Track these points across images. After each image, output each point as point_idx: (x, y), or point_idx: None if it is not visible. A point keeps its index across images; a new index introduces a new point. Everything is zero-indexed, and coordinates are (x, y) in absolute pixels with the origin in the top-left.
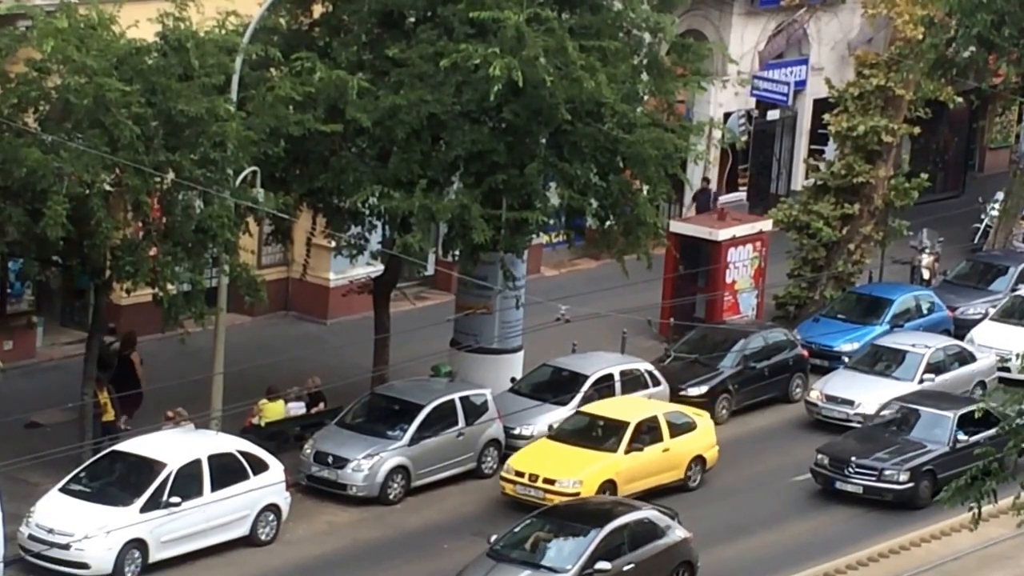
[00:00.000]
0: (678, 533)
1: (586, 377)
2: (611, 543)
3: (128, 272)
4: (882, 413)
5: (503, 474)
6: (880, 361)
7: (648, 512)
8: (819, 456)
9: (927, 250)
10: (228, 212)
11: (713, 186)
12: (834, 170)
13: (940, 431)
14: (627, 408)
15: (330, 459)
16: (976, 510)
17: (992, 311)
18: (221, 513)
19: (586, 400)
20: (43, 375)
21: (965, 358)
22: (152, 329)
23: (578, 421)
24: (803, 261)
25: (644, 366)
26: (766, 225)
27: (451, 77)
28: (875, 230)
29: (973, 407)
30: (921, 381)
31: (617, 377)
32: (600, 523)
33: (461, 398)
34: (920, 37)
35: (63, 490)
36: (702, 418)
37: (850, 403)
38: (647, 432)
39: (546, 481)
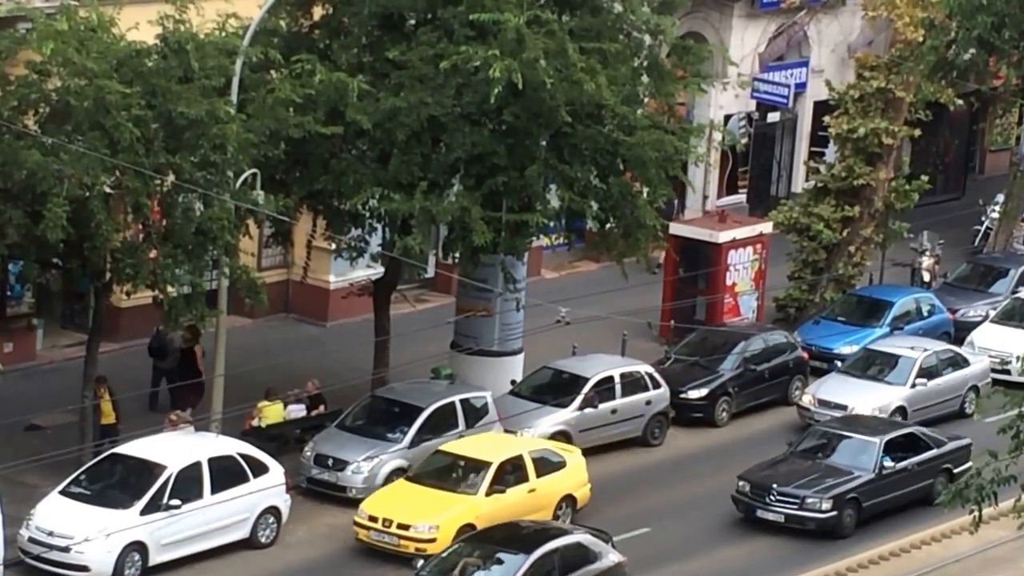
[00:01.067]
0: (612, 558)
1: (586, 379)
2: (541, 569)
3: (128, 274)
4: (805, 439)
5: (356, 518)
6: (873, 365)
7: (581, 536)
8: (740, 483)
9: (927, 252)
10: (228, 214)
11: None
12: (834, 172)
13: (866, 457)
14: (490, 447)
15: (330, 461)
16: (976, 513)
17: (992, 313)
18: (221, 516)
19: (587, 402)
20: (43, 377)
21: (958, 362)
22: (152, 331)
23: (437, 461)
24: (803, 263)
25: (644, 368)
26: (766, 227)
27: (451, 79)
28: (875, 232)
29: (900, 432)
30: (914, 385)
31: (617, 379)
32: (530, 548)
33: (461, 400)
34: (920, 39)
35: (63, 492)
36: (573, 455)
37: (843, 408)
38: (511, 472)
39: (400, 526)
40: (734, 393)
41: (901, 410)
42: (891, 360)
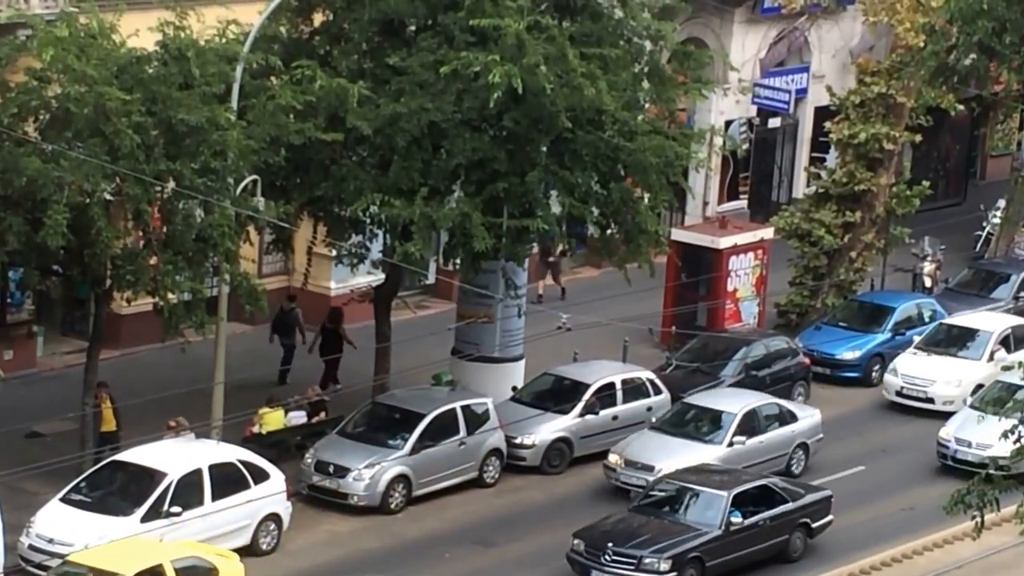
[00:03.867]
0: None
1: (587, 386)
2: None
3: (129, 281)
4: (651, 491)
5: None
6: (689, 422)
7: None
8: (575, 541)
9: (929, 258)
10: (229, 221)
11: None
12: (835, 178)
13: (712, 513)
14: (125, 558)
15: (331, 468)
16: (978, 518)
17: (917, 339)
18: (222, 523)
19: (588, 409)
20: (43, 384)
21: (784, 418)
22: (152, 338)
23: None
24: (805, 269)
25: (645, 375)
26: (767, 233)
27: (451, 85)
28: (877, 238)
29: (752, 484)
30: (731, 444)
31: (619, 386)
32: None
33: (462, 407)
34: (921, 44)
35: (64, 500)
36: (229, 560)
37: (650, 469)
38: None
39: None
40: None
41: None
42: (708, 415)
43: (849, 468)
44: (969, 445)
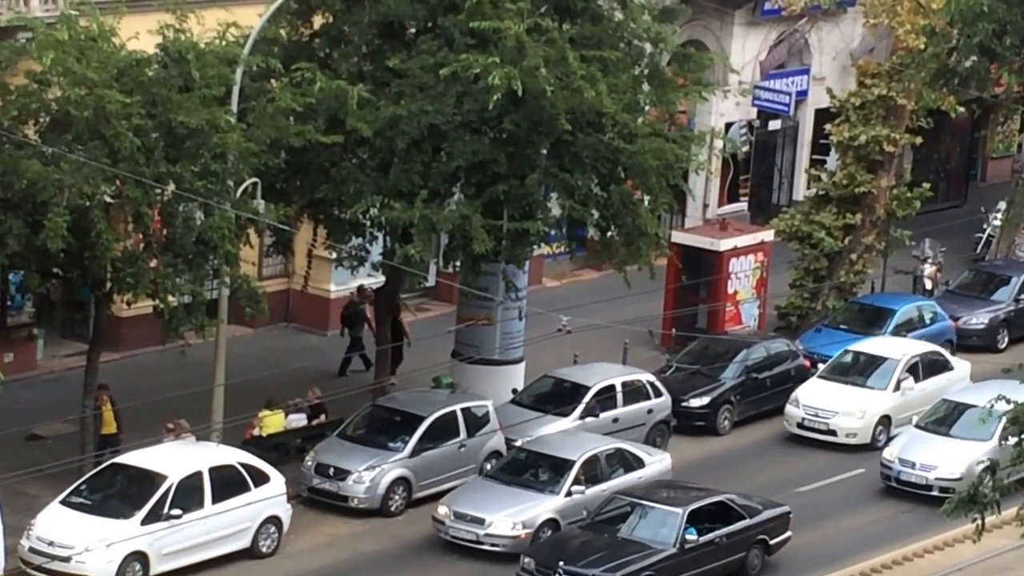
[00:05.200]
0: None
1: (588, 388)
2: None
3: (129, 284)
4: (604, 507)
5: None
6: (526, 469)
7: None
8: (525, 560)
9: (929, 260)
10: (229, 224)
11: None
12: (836, 180)
13: (666, 530)
14: None
15: (331, 471)
16: (979, 521)
17: (822, 367)
18: (222, 525)
19: (588, 411)
20: (44, 387)
21: (630, 463)
22: (153, 341)
23: None
24: (805, 271)
25: (646, 377)
26: (768, 235)
27: (451, 87)
28: (877, 240)
29: (708, 501)
30: (570, 494)
31: (619, 388)
32: None
33: (463, 409)
34: (922, 47)
35: (64, 503)
36: None
37: (480, 521)
38: None
39: None
40: (736, 402)
41: (552, 523)
42: (546, 462)
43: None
44: (913, 466)
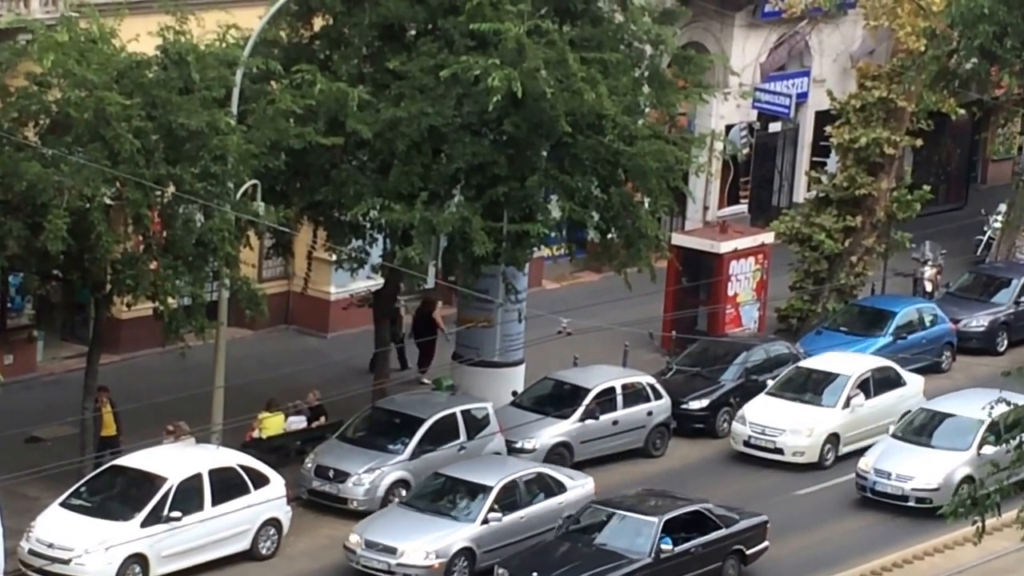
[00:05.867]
0: None
1: (588, 391)
2: None
3: (129, 286)
4: (581, 516)
5: None
6: (442, 496)
7: None
8: (500, 571)
9: (930, 262)
10: (229, 226)
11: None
12: (836, 182)
13: (642, 540)
14: None
15: (331, 473)
16: (979, 523)
17: (771, 384)
18: (222, 527)
19: (588, 414)
20: (43, 389)
21: (551, 488)
22: (153, 343)
23: None
24: (805, 273)
25: (646, 379)
26: (768, 237)
27: (452, 89)
28: (877, 242)
29: (684, 510)
30: (486, 521)
31: (619, 391)
32: None
33: (462, 412)
34: (922, 49)
35: (63, 505)
36: None
37: (392, 551)
38: None
39: None
40: (736, 404)
41: (467, 552)
42: (463, 488)
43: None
44: (888, 476)
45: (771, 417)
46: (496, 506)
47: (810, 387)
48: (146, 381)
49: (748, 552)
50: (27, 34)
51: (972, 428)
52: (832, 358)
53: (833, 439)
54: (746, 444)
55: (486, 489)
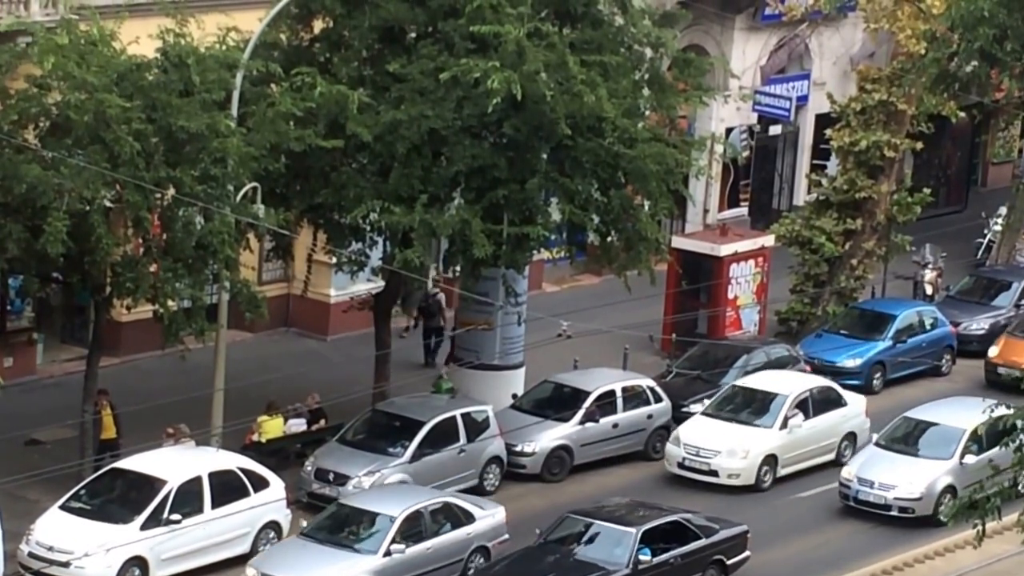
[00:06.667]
0: None
1: (588, 393)
2: None
3: (129, 288)
4: (558, 527)
5: None
6: (342, 527)
7: None
8: None
9: (930, 265)
10: (229, 228)
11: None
12: (836, 185)
13: (620, 551)
14: None
15: (331, 476)
16: (980, 527)
17: (708, 403)
18: (222, 530)
19: (588, 417)
20: (43, 392)
21: (458, 519)
22: (152, 346)
23: None
24: (805, 276)
25: (646, 382)
26: (768, 240)
27: (451, 92)
28: (878, 245)
29: (663, 520)
30: (388, 553)
31: (619, 393)
32: None
33: (462, 414)
34: (922, 52)
35: (63, 507)
36: None
37: None
38: None
39: None
40: None
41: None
42: (364, 518)
43: None
44: (872, 485)
45: (706, 438)
46: (399, 537)
47: (747, 407)
48: (146, 384)
49: (729, 562)
50: (27, 37)
51: (955, 437)
52: (770, 377)
53: (771, 460)
54: (680, 466)
55: (389, 519)
